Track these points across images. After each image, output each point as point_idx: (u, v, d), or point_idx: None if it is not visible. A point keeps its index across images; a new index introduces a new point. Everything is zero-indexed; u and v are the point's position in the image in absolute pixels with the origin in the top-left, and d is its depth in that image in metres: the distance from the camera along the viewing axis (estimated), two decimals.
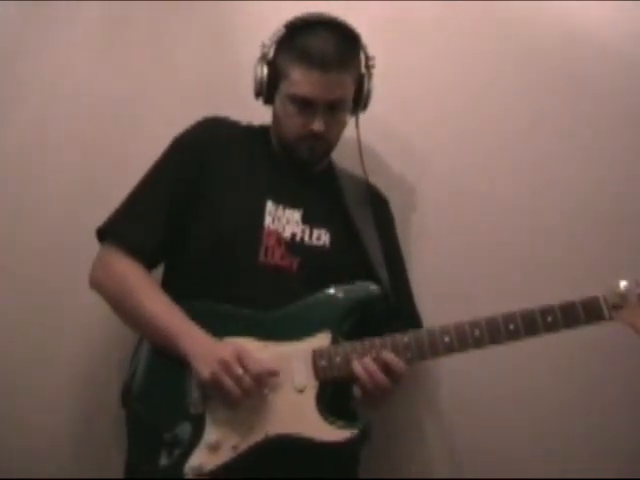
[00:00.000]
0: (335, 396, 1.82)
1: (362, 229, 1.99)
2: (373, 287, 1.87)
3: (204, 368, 1.75)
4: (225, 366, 1.73)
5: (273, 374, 1.78)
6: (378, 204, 2.09)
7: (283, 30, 1.91)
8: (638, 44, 1.99)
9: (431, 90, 2.22)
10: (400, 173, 2.22)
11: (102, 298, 1.91)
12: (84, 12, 2.06)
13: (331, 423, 1.78)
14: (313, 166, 2.00)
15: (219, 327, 1.82)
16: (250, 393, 1.74)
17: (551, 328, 1.73)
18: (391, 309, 1.90)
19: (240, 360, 1.74)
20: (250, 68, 1.94)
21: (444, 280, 2.15)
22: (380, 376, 1.76)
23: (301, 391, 1.79)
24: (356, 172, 2.08)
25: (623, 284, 1.73)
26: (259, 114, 2.01)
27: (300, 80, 1.86)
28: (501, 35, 2.14)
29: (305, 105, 1.88)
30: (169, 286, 1.93)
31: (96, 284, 1.92)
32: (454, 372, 2.05)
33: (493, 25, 2.15)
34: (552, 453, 1.99)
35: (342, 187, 2.03)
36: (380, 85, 1.99)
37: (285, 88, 1.90)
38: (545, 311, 1.73)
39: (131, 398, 1.85)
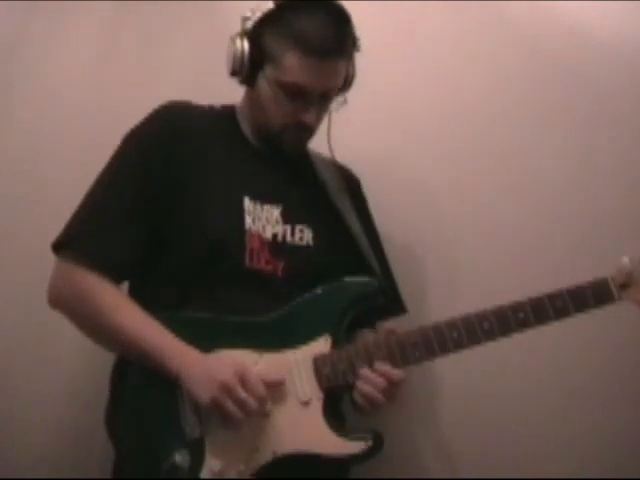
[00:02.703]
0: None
1: (346, 218, 1.86)
2: (369, 281, 1.75)
3: (203, 393, 1.60)
4: (227, 390, 1.58)
5: (279, 384, 1.65)
6: (352, 186, 1.96)
7: (272, 6, 1.72)
8: (638, 44, 1.97)
9: (430, 88, 2.17)
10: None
11: (67, 318, 1.73)
12: (85, 12, 2.01)
13: (342, 436, 1.66)
14: (294, 157, 1.86)
15: (207, 339, 1.66)
16: (254, 414, 1.60)
17: (561, 314, 1.67)
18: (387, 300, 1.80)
19: (242, 382, 1.59)
20: None
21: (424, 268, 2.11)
22: (387, 390, 1.66)
23: (306, 403, 1.67)
24: (323, 153, 1.94)
25: (626, 261, 1.70)
26: None
27: (295, 66, 1.70)
28: (501, 35, 2.11)
29: (297, 93, 1.73)
30: (144, 298, 1.75)
31: (59, 304, 1.73)
32: (453, 372, 2.01)
33: (494, 26, 2.11)
34: (552, 453, 1.96)
35: (319, 172, 1.89)
36: (380, 83, 1.97)
37: (275, 73, 1.73)
38: (554, 297, 1.67)
39: (118, 429, 1.67)
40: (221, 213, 1.74)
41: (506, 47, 2.07)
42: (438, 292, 2.06)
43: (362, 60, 1.82)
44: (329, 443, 1.65)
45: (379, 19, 2.14)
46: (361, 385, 1.66)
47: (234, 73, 1.77)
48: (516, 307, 1.67)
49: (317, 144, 1.89)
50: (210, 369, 1.61)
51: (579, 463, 1.91)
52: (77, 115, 2.25)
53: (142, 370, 1.66)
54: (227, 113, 1.87)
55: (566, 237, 1.99)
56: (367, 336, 1.81)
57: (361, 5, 1.87)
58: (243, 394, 1.58)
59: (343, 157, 1.95)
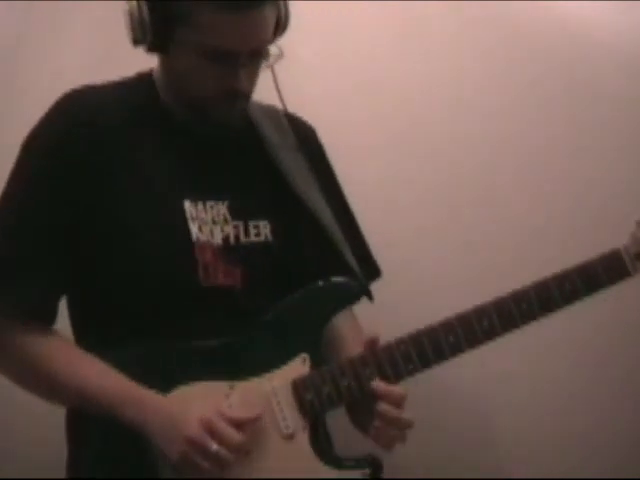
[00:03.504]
0: None
1: (304, 191, 1.57)
2: (347, 283, 1.50)
3: (170, 449, 1.37)
4: (195, 445, 1.35)
5: (255, 421, 1.41)
6: (306, 140, 1.66)
7: None
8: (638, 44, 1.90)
9: (429, 87, 2.06)
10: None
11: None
12: (85, 12, 1.88)
13: (336, 466, 1.46)
14: (230, 128, 1.54)
15: (167, 375, 1.42)
16: (230, 464, 1.38)
17: (570, 298, 1.45)
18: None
19: (211, 432, 1.36)
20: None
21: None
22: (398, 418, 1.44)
23: (290, 437, 1.44)
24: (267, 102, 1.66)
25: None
26: None
27: (212, 27, 1.38)
28: (501, 35, 2.02)
29: (222, 57, 1.41)
30: (89, 336, 1.51)
31: None
32: (451, 371, 1.88)
33: (492, 24, 2.01)
34: (552, 453, 1.90)
35: (264, 136, 1.59)
36: (380, 80, 1.92)
37: (189, 36, 1.41)
38: (560, 279, 1.45)
39: None
40: (159, 228, 1.47)
41: (504, 46, 2.00)
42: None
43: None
44: (322, 477, 1.44)
45: (377, 18, 2.05)
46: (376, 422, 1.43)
47: (137, 41, 1.46)
48: (519, 297, 1.45)
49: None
50: (173, 421, 1.38)
51: (579, 463, 1.87)
52: None
53: (100, 427, 1.42)
54: (144, 86, 1.55)
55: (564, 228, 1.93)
56: (345, 344, 1.58)
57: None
58: (214, 447, 1.35)
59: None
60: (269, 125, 1.61)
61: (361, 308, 1.60)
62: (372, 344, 1.46)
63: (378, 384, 1.44)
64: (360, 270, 1.55)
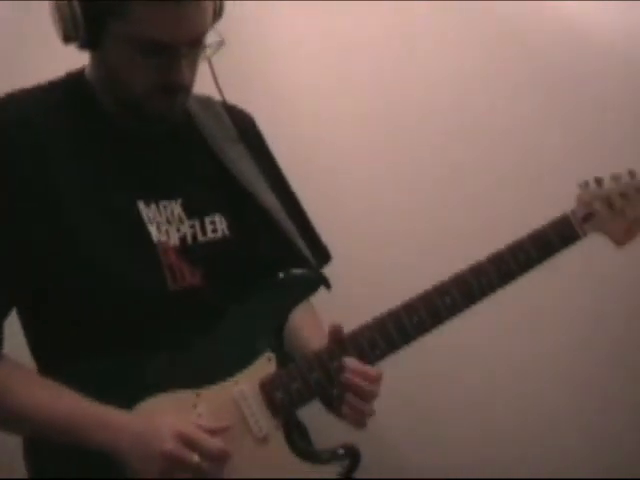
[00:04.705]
0: None
1: (250, 182, 1.52)
2: (306, 276, 1.47)
3: (147, 469, 1.30)
4: (173, 460, 1.29)
5: (226, 429, 1.37)
6: (246, 129, 1.60)
7: None
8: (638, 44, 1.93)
9: (428, 85, 2.07)
10: None
11: None
12: None
13: (314, 461, 1.44)
14: (170, 123, 1.46)
15: (129, 389, 1.36)
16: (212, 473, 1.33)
17: (526, 265, 1.47)
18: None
19: (190, 445, 1.30)
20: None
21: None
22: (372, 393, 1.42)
23: (265, 439, 1.41)
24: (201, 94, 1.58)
25: (584, 188, 1.51)
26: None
27: (146, 19, 1.30)
28: (500, 35, 2.04)
29: (160, 50, 1.33)
30: (43, 354, 1.44)
31: None
32: (451, 372, 1.97)
33: (492, 24, 2.04)
34: (551, 453, 1.94)
35: (205, 129, 1.53)
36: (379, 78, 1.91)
37: (122, 29, 1.33)
38: (514, 248, 1.47)
39: None
40: (116, 233, 1.39)
41: (503, 46, 2.01)
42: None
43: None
44: (302, 475, 1.42)
45: (377, 18, 2.05)
46: (348, 396, 1.41)
47: (68, 38, 1.36)
48: (477, 271, 1.46)
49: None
50: (145, 438, 1.31)
51: (579, 463, 1.91)
52: None
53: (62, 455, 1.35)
54: (76, 86, 1.46)
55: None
56: (307, 335, 1.55)
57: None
58: (195, 459, 1.30)
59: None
60: (208, 117, 1.55)
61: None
62: (336, 333, 1.44)
63: (352, 360, 1.41)
64: (312, 257, 1.52)
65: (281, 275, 1.47)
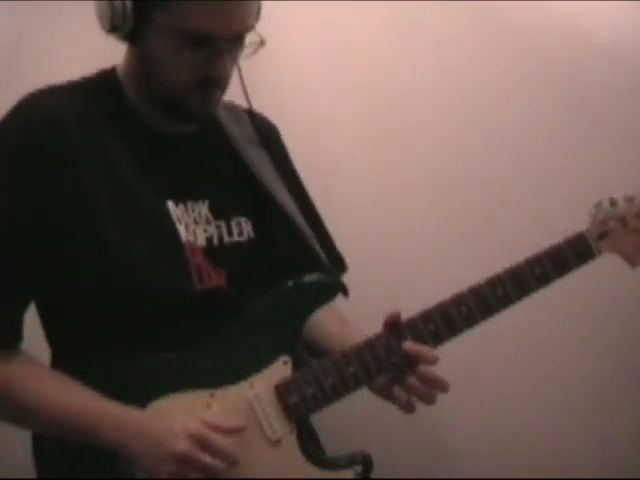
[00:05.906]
0: None
1: (272, 186, 1.53)
2: (325, 282, 1.47)
3: (159, 470, 1.29)
4: (187, 461, 1.29)
5: (240, 431, 1.36)
6: (268, 137, 1.62)
7: None
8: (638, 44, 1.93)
9: (427, 85, 2.07)
10: None
11: None
12: (85, 12, 1.71)
13: (327, 468, 1.43)
14: (203, 124, 1.49)
15: (144, 388, 1.36)
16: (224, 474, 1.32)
17: (542, 281, 1.48)
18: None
19: (203, 445, 1.30)
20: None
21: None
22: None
23: (278, 442, 1.40)
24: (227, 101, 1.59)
25: (599, 207, 1.53)
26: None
27: (194, 11, 1.32)
28: (500, 34, 2.03)
29: (203, 42, 1.34)
30: (62, 352, 1.43)
31: None
32: (451, 373, 1.88)
33: (491, 24, 2.03)
34: (551, 453, 1.93)
35: (230, 132, 1.55)
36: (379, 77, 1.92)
37: (169, 20, 1.33)
38: (532, 263, 1.48)
39: None
40: (145, 232, 1.39)
41: (503, 45, 2.00)
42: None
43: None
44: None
45: (375, 18, 2.04)
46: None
47: (114, 29, 1.37)
48: (494, 283, 1.46)
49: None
50: (157, 440, 1.30)
51: (579, 463, 1.89)
52: None
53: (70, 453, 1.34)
54: (108, 84, 1.46)
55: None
56: (326, 339, 1.56)
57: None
58: (209, 460, 1.29)
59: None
60: (231, 121, 1.57)
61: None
62: (394, 319, 1.44)
63: (411, 345, 1.42)
64: (331, 262, 1.54)
65: (301, 279, 1.47)
